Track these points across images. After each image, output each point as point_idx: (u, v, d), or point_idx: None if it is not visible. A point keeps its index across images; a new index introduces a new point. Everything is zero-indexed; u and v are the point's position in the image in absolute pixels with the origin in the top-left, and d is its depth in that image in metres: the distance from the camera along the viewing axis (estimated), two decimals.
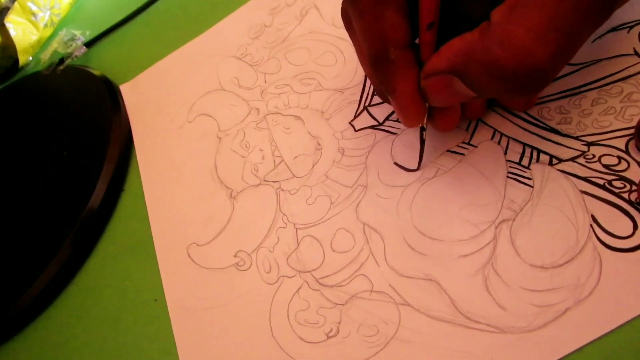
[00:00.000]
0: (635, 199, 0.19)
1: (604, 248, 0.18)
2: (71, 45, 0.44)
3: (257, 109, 0.30)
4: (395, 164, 0.24)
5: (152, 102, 0.36)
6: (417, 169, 0.23)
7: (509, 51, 0.16)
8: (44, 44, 0.48)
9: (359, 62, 0.29)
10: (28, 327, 0.29)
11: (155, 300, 0.26)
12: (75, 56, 0.43)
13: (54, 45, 0.44)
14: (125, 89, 0.38)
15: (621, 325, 0.17)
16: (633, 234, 0.18)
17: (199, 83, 0.34)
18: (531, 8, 0.15)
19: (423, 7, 0.18)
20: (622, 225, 0.19)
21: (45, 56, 0.44)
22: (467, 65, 0.17)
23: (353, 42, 0.23)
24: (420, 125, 0.21)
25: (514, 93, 0.17)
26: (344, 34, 0.30)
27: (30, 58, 0.47)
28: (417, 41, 0.20)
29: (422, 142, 0.22)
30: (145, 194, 0.31)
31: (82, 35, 0.44)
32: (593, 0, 0.15)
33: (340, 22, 0.31)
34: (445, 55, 0.18)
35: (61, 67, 0.42)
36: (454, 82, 0.18)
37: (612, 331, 0.17)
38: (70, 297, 0.29)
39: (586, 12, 0.15)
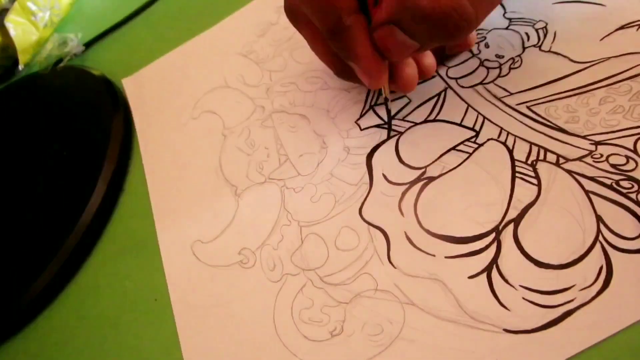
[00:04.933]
0: (636, 197, 0.19)
1: (611, 249, 0.18)
2: (66, 46, 0.43)
3: (263, 107, 0.30)
4: (401, 162, 0.24)
5: (156, 97, 0.36)
6: (388, 138, 0.25)
7: None
8: (41, 47, 0.48)
9: None
10: (28, 327, 0.29)
11: (156, 300, 0.26)
12: (74, 55, 0.43)
13: (48, 49, 0.44)
14: (127, 83, 0.38)
15: (626, 328, 0.17)
16: None
17: (203, 79, 0.34)
18: None
19: None
20: (629, 226, 0.18)
21: (41, 59, 0.44)
22: (399, 13, 0.18)
23: (305, 35, 0.24)
24: (383, 87, 0.23)
25: (441, 36, 0.19)
26: None
27: (21, 67, 0.46)
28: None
29: (389, 111, 0.25)
30: (149, 191, 0.30)
31: (75, 36, 0.44)
32: None
33: None
34: (383, 6, 0.19)
35: (61, 65, 0.42)
36: (396, 31, 0.19)
37: (616, 334, 0.17)
38: (70, 297, 0.29)
39: None
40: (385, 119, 0.26)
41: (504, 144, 0.22)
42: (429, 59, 0.24)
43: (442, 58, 0.26)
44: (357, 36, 0.20)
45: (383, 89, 0.24)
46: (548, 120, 0.22)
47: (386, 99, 0.24)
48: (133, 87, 0.37)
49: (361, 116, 0.27)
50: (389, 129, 0.25)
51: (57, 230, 0.30)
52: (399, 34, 0.19)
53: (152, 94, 0.36)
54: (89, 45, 0.45)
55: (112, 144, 0.33)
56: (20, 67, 0.46)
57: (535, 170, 0.21)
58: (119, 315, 0.26)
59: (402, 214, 0.22)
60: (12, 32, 0.44)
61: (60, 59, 0.43)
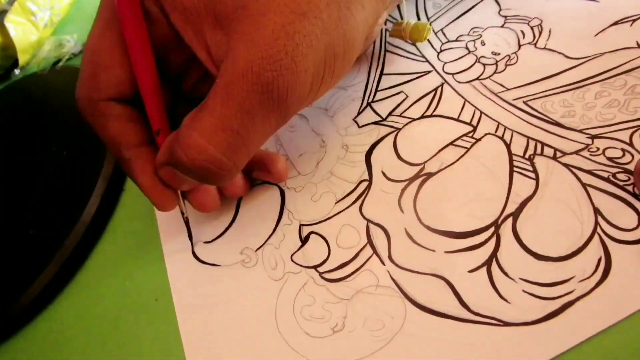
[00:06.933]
0: (634, 189, 0.19)
1: (609, 240, 0.18)
2: (63, 47, 0.43)
3: None
4: (399, 158, 0.24)
5: None
6: (192, 248, 0.26)
7: (186, 150, 0.19)
8: (36, 51, 0.48)
9: (362, 59, 0.29)
10: (28, 327, 0.28)
11: (156, 300, 0.26)
12: (73, 54, 0.43)
13: (45, 50, 0.44)
14: None
15: (623, 321, 0.17)
16: (638, 226, 0.18)
17: None
18: (205, 113, 0.18)
19: (149, 116, 0.21)
20: (626, 217, 0.19)
21: (39, 60, 0.44)
22: (171, 160, 0.20)
23: None
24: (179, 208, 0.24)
25: (208, 182, 0.21)
26: None
27: (17, 71, 0.46)
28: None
29: (187, 223, 0.26)
30: None
31: (71, 38, 0.44)
32: (257, 102, 0.18)
33: None
34: (162, 149, 0.21)
35: (60, 64, 0.42)
36: (175, 171, 0.20)
37: (612, 328, 0.17)
38: (70, 297, 0.28)
39: (252, 113, 0.18)
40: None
41: (502, 138, 0.22)
42: (235, 181, 0.25)
43: (252, 180, 0.27)
44: (136, 168, 0.22)
45: (180, 208, 0.25)
46: (545, 115, 0.22)
47: (186, 219, 0.25)
48: None
49: (359, 113, 0.27)
50: (190, 239, 0.26)
51: (57, 230, 0.30)
52: (177, 173, 0.20)
53: None
54: None
55: None
56: (17, 70, 0.46)
57: (532, 164, 0.21)
58: (119, 315, 0.26)
59: (401, 210, 0.22)
60: (12, 32, 0.43)
61: (59, 59, 0.43)
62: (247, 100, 0.18)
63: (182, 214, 0.25)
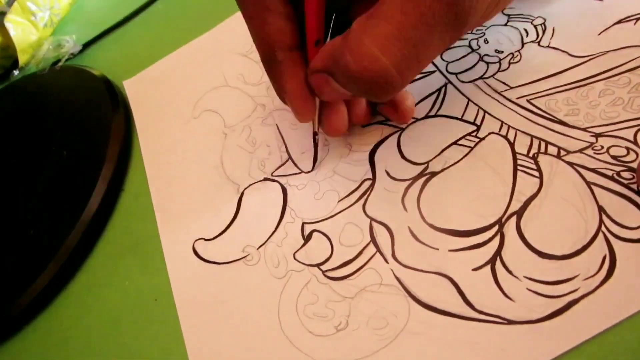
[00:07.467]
0: (638, 188, 0.19)
1: (613, 239, 0.18)
2: (62, 48, 0.43)
3: (263, 105, 0.30)
4: (403, 158, 0.24)
5: (157, 98, 0.36)
6: (312, 170, 0.26)
7: (356, 57, 0.17)
8: (36, 51, 0.48)
9: None
10: (28, 327, 0.28)
11: (156, 300, 0.25)
12: (72, 54, 0.43)
13: (44, 50, 0.44)
14: (128, 85, 0.38)
15: (627, 319, 0.17)
16: None
17: (203, 79, 0.34)
18: (381, 19, 0.17)
19: (309, 26, 0.20)
20: (631, 216, 0.19)
21: (38, 60, 0.44)
22: (333, 67, 0.19)
23: None
24: (312, 121, 0.24)
25: (368, 95, 0.20)
26: None
27: (16, 72, 0.46)
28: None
29: (315, 145, 0.25)
30: (151, 191, 0.30)
31: (70, 38, 0.44)
32: (439, 14, 0.16)
33: None
34: (321, 55, 0.20)
35: (59, 65, 0.42)
36: (330, 81, 0.19)
37: (617, 326, 0.17)
38: (70, 297, 0.28)
39: (433, 26, 0.16)
40: None
41: (505, 137, 0.22)
42: (361, 107, 0.24)
43: (375, 111, 0.26)
44: (287, 72, 0.21)
45: (312, 123, 0.24)
46: (548, 114, 0.22)
47: (315, 133, 0.25)
48: (134, 89, 0.37)
49: None
50: (315, 161, 0.26)
51: (57, 230, 0.30)
52: (332, 83, 0.19)
53: (153, 95, 0.36)
54: (87, 45, 0.45)
55: (112, 144, 0.33)
56: (16, 71, 0.46)
57: (536, 163, 0.21)
58: (119, 315, 0.26)
59: (405, 209, 0.22)
60: (12, 32, 0.43)
61: (58, 59, 0.43)
62: (431, 10, 0.16)
63: (315, 134, 0.25)
